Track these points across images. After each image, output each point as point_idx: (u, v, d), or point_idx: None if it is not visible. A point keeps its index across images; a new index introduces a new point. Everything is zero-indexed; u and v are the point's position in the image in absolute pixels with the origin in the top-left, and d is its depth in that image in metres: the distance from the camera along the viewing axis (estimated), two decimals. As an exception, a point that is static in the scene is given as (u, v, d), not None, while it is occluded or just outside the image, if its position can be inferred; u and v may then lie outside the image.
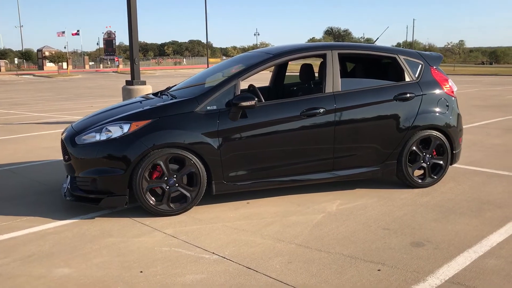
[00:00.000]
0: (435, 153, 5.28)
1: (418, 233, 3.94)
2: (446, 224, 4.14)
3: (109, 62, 75.96)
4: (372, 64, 5.82)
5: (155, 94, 5.44)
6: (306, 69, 5.76)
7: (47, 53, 67.92)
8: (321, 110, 4.75)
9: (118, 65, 65.72)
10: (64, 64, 63.27)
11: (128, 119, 4.45)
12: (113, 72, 61.21)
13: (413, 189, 5.20)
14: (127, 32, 10.45)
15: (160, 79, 39.42)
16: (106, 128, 4.43)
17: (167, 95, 5.10)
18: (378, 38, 6.10)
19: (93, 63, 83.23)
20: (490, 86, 25.68)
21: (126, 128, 4.37)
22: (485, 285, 3.04)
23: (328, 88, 4.88)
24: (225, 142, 4.47)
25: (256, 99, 4.49)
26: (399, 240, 3.79)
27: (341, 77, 4.97)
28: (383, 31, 6.42)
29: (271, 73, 6.48)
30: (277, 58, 4.95)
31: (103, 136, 4.39)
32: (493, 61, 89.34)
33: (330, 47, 5.10)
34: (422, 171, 5.28)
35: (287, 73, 6.46)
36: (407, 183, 5.21)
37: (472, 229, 4.01)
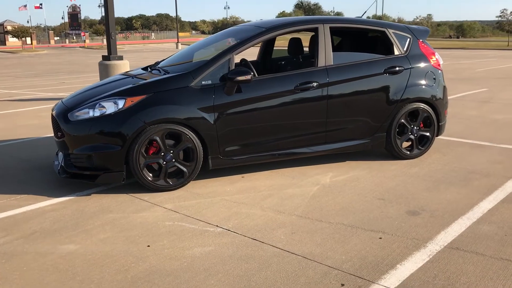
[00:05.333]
0: (422, 125, 5.42)
1: (413, 202, 4.08)
2: (438, 193, 4.30)
3: (75, 37, 73.91)
4: (361, 38, 5.86)
5: (144, 69, 5.37)
6: (295, 43, 5.76)
7: (9, 28, 65.33)
8: (315, 84, 4.79)
9: (85, 40, 64.00)
10: (28, 39, 61.08)
11: (123, 94, 4.39)
12: (80, 47, 59.60)
13: (401, 160, 5.34)
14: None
15: (130, 54, 38.54)
16: (100, 104, 4.36)
17: (158, 70, 5.03)
18: (365, 12, 6.15)
19: (58, 38, 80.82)
20: (460, 59, 26.22)
21: (121, 103, 4.31)
22: (483, 249, 3.20)
23: (321, 62, 4.91)
24: (221, 116, 4.47)
25: (251, 73, 4.49)
26: (395, 210, 3.92)
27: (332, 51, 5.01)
28: (370, 5, 6.47)
29: (259, 47, 6.46)
30: (270, 32, 4.93)
31: (96, 112, 4.32)
32: (460, 35, 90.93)
33: (322, 21, 5.11)
34: (409, 143, 5.42)
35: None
36: (395, 155, 5.35)
37: (463, 198, 4.18)
